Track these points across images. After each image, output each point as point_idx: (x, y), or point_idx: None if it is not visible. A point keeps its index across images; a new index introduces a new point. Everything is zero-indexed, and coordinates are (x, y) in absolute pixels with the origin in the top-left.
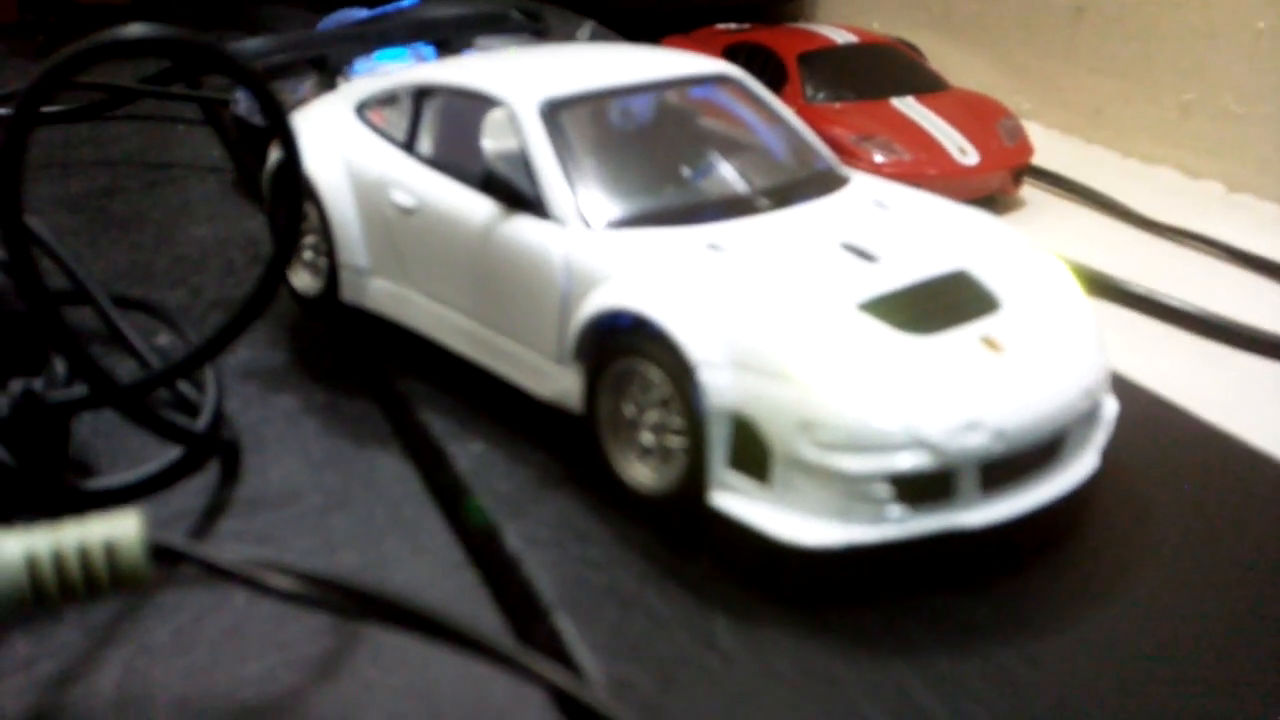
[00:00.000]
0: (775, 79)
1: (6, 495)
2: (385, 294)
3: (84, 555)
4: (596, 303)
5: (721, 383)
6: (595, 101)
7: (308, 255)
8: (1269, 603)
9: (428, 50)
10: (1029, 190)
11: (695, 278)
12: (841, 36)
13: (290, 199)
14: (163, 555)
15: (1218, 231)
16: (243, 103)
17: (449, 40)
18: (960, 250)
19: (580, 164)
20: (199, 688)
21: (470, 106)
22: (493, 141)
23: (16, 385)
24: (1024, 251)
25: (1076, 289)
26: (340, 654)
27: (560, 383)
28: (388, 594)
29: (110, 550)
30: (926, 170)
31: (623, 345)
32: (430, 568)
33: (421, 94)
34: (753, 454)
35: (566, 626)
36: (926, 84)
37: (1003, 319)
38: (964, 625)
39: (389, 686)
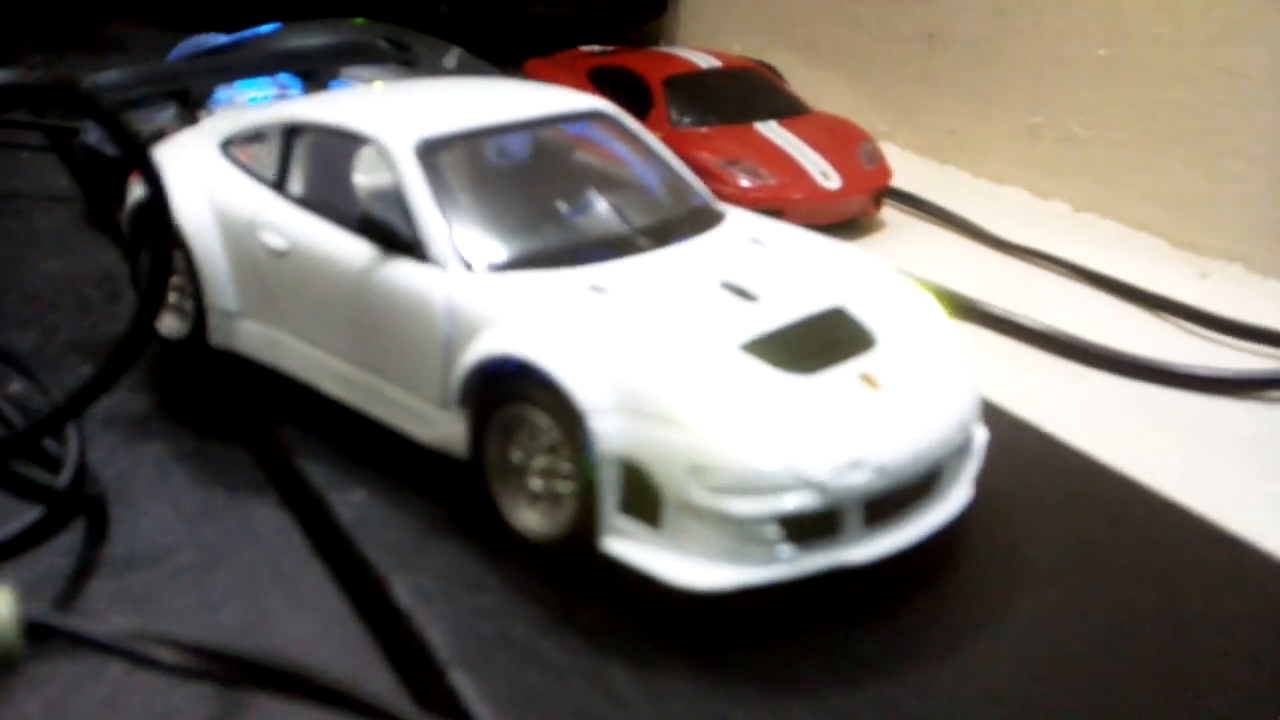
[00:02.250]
0: (641, 103)
1: None
2: (257, 337)
3: None
4: (482, 348)
5: (611, 429)
6: (471, 140)
7: (172, 297)
8: (1143, 621)
9: (292, 81)
10: (887, 212)
11: (580, 322)
12: (705, 60)
13: (158, 240)
14: (36, 632)
15: (1065, 250)
16: (93, 132)
17: (315, 71)
18: (835, 287)
19: (459, 205)
20: None
21: (342, 145)
22: (366, 181)
23: None
24: (895, 286)
25: (946, 322)
26: None
27: (444, 428)
28: (277, 661)
29: None
30: (791, 194)
31: (509, 391)
32: (315, 623)
33: (291, 131)
34: (643, 499)
35: (463, 682)
36: (788, 108)
37: (879, 356)
38: (854, 660)
39: None
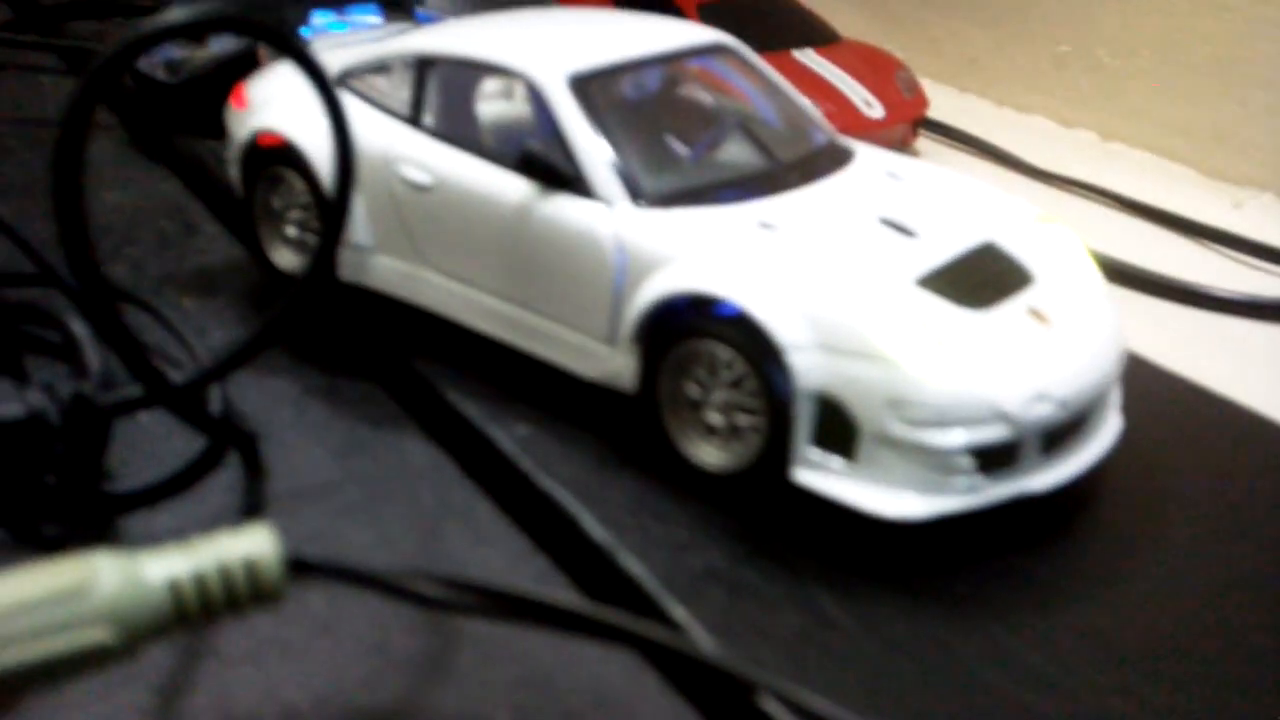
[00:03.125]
0: None
1: (47, 502)
2: (392, 272)
3: (225, 575)
4: (665, 284)
5: (808, 364)
6: (615, 74)
7: (291, 231)
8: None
9: (367, 12)
10: (920, 140)
11: (763, 260)
12: None
13: (342, 181)
14: (299, 568)
15: (1096, 178)
16: (144, 59)
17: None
18: (981, 222)
19: (617, 140)
20: (304, 694)
21: (480, 79)
22: (497, 113)
23: (65, 389)
24: (1032, 221)
25: (1085, 255)
26: (445, 654)
27: (610, 363)
28: (533, 593)
29: (250, 567)
30: (837, 124)
31: (690, 327)
32: (501, 559)
33: (424, 64)
34: (838, 431)
35: (681, 615)
36: (822, 36)
37: (1040, 290)
38: (1039, 584)
39: (504, 681)
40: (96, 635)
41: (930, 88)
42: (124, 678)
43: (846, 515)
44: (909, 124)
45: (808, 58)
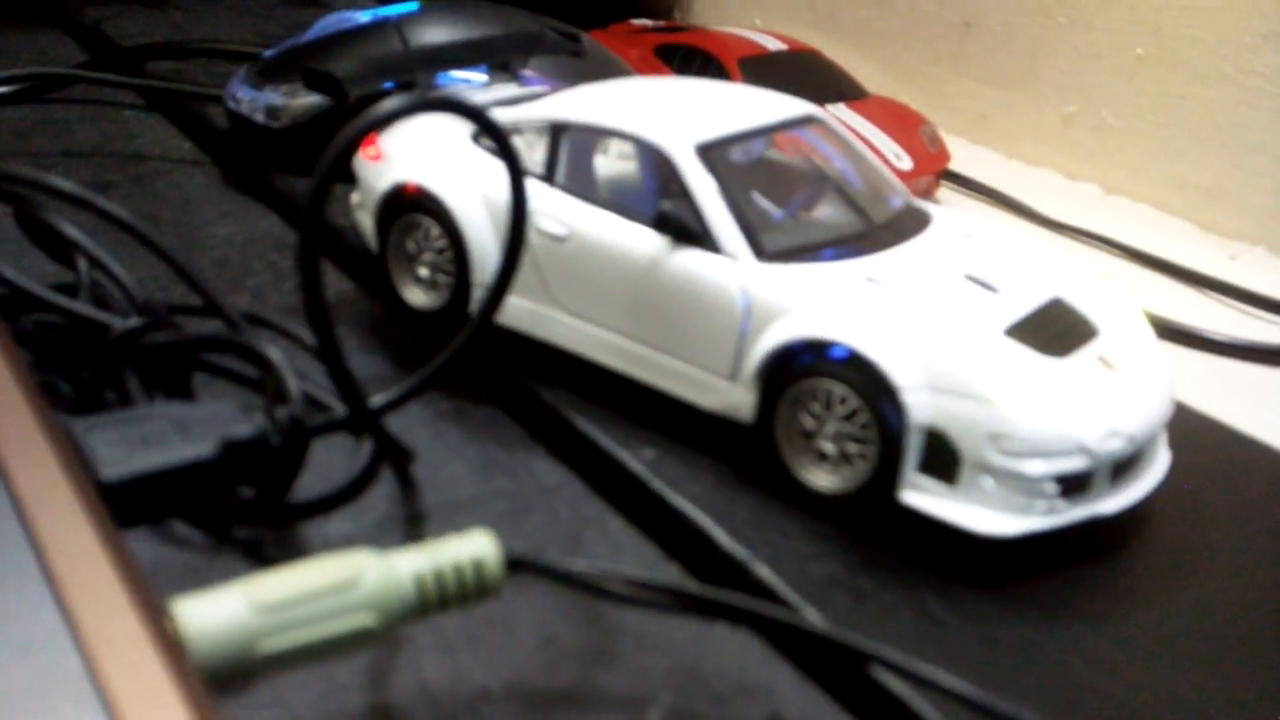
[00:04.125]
0: None
1: (239, 514)
2: (523, 311)
3: (458, 571)
4: (791, 331)
5: (919, 402)
6: (733, 143)
7: (424, 272)
8: None
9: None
10: (942, 191)
11: (873, 309)
12: (771, 42)
13: (514, 233)
14: (515, 566)
15: (1100, 228)
16: (245, 101)
17: (509, 62)
18: (1047, 278)
19: (738, 202)
20: (489, 677)
21: (607, 142)
22: (633, 173)
23: (281, 412)
24: (1089, 278)
25: (1138, 310)
26: (605, 645)
27: (731, 396)
28: (709, 592)
29: (477, 565)
30: None
31: (808, 367)
32: (637, 563)
33: (558, 129)
34: (942, 460)
35: (815, 618)
36: (853, 92)
37: (1105, 341)
38: (1112, 592)
39: (661, 669)
40: (365, 620)
41: (944, 139)
42: (333, 664)
43: (946, 532)
44: (933, 176)
45: (842, 112)
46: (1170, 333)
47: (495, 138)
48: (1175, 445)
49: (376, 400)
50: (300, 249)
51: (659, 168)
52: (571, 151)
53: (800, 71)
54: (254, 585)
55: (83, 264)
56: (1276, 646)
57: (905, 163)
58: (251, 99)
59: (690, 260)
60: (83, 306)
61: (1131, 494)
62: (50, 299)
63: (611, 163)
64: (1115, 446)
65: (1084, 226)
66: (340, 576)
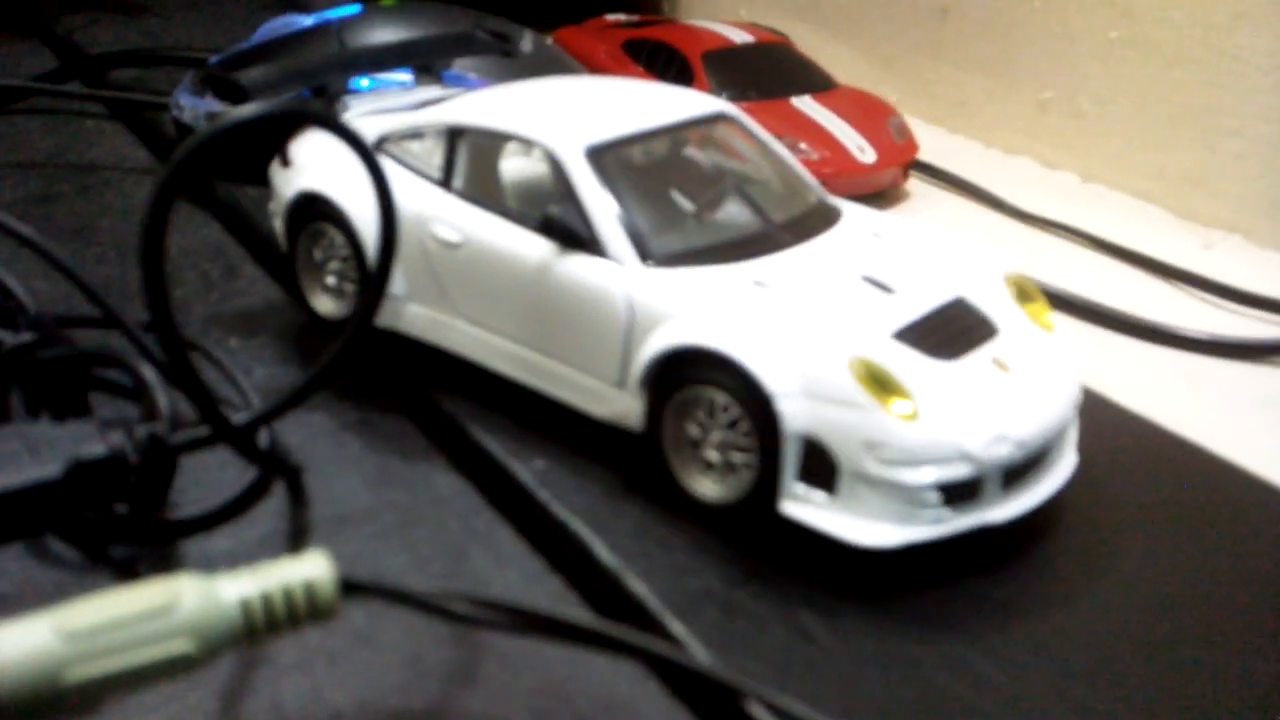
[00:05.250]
0: (680, 78)
1: (114, 532)
2: (422, 319)
3: (287, 595)
4: (668, 338)
5: (794, 409)
6: (628, 144)
7: (330, 280)
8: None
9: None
10: (910, 182)
11: (755, 315)
12: (738, 35)
13: (386, 235)
14: (350, 589)
15: (1075, 219)
16: (187, 109)
17: (431, 64)
18: (952, 278)
19: (628, 205)
20: (347, 699)
21: (505, 145)
22: (516, 174)
23: (141, 430)
24: (996, 274)
25: (1045, 305)
26: (471, 663)
27: (619, 405)
28: (552, 611)
29: (308, 588)
30: (832, 169)
31: (690, 375)
32: (519, 578)
33: (455, 133)
34: (820, 469)
35: (680, 631)
36: (820, 83)
37: (1003, 342)
38: (998, 604)
39: (524, 689)
40: (181, 647)
41: (923, 129)
42: (189, 684)
43: (828, 543)
44: (900, 168)
45: (805, 104)
46: (1135, 328)
47: (349, 143)
48: (1105, 448)
49: (241, 417)
50: (144, 261)
51: (550, 171)
52: (468, 155)
53: (766, 63)
54: (61, 613)
55: None
56: (1163, 661)
57: (869, 155)
58: (193, 106)
59: (577, 266)
60: None
61: (1025, 501)
62: None
63: (508, 166)
64: (1003, 453)
65: (1058, 218)
66: (155, 602)
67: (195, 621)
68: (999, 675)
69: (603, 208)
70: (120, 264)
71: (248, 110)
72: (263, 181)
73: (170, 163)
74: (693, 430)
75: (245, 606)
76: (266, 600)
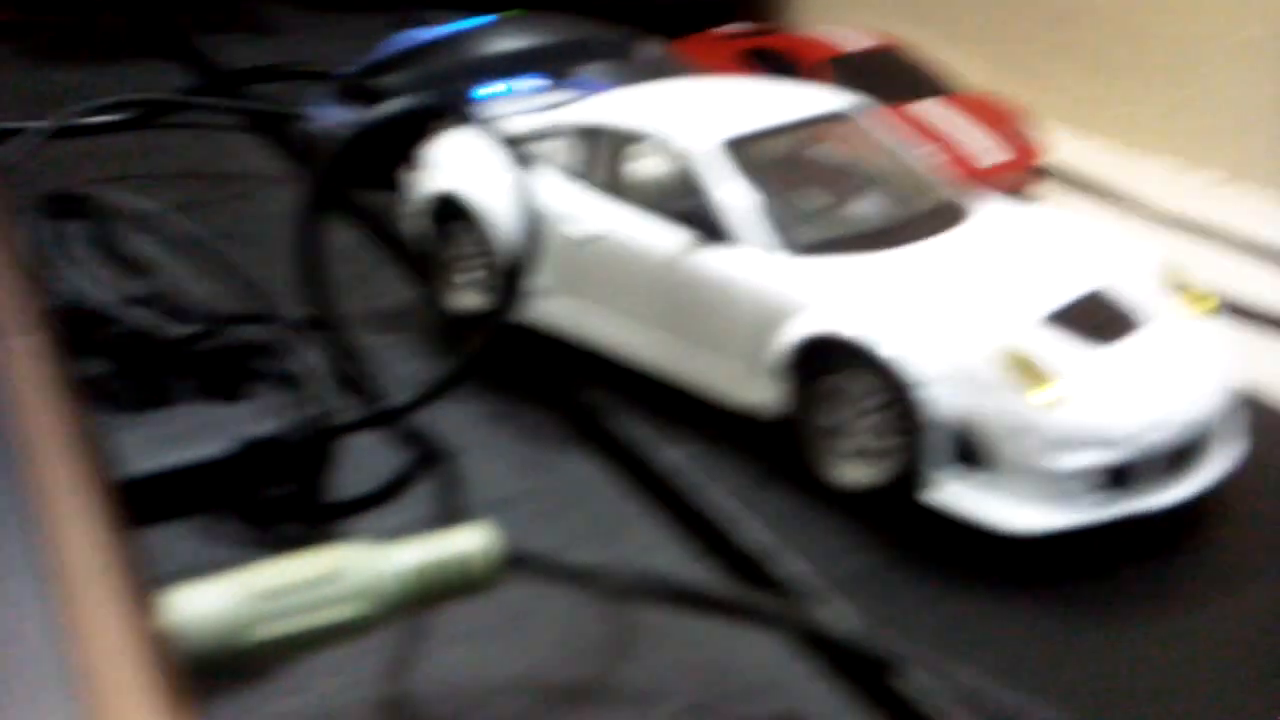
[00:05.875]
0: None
1: (278, 512)
2: (561, 314)
3: (453, 565)
4: (808, 327)
5: (938, 396)
6: (762, 139)
7: (466, 279)
8: None
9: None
10: (1042, 187)
11: (895, 302)
12: (857, 40)
13: (529, 233)
14: (514, 562)
15: (1219, 219)
16: (319, 119)
17: (558, 70)
18: (1099, 266)
19: (764, 197)
20: (509, 671)
21: (639, 143)
22: (651, 172)
23: (304, 411)
24: (1145, 261)
25: (1198, 294)
26: (626, 641)
27: (758, 394)
28: (711, 587)
29: (473, 559)
30: (962, 172)
31: (830, 363)
32: (668, 561)
33: (590, 133)
34: (969, 454)
35: (838, 610)
36: (940, 87)
37: (1154, 329)
38: (1159, 592)
39: (680, 665)
40: (355, 610)
41: (1055, 132)
42: (358, 655)
43: (979, 530)
44: (1025, 171)
45: (931, 108)
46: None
47: (489, 138)
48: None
49: (398, 400)
50: (303, 247)
51: (685, 166)
52: (604, 153)
53: (884, 69)
54: (244, 576)
55: (150, 277)
56: None
57: (996, 157)
58: (324, 117)
59: (715, 257)
60: (143, 315)
61: (1182, 490)
62: (110, 311)
63: (643, 163)
64: (1159, 438)
65: (1199, 218)
66: (332, 567)
67: (368, 587)
68: (1166, 661)
69: (740, 199)
70: (269, 265)
71: (396, 105)
72: (393, 187)
73: (325, 159)
74: (834, 419)
75: (414, 574)
76: (433, 568)
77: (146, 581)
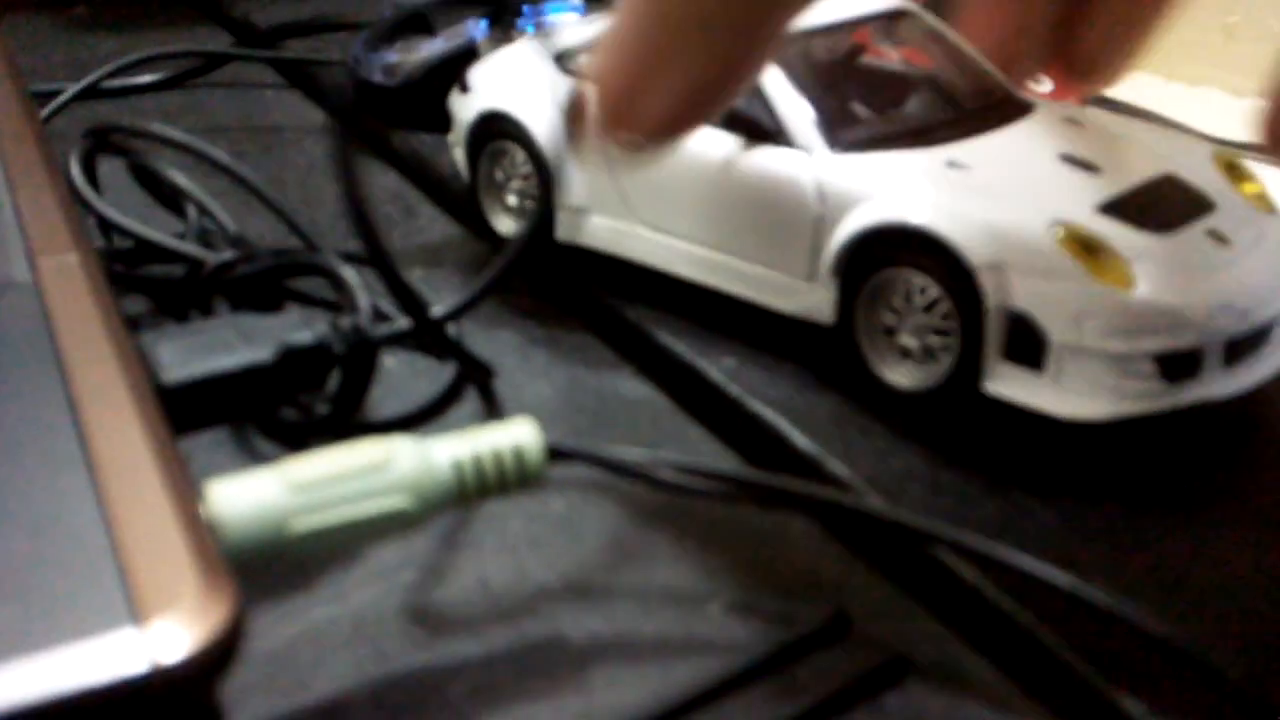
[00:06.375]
0: None
1: (316, 427)
2: (605, 230)
3: (497, 458)
4: (863, 219)
5: (998, 283)
6: (809, 38)
7: (513, 200)
8: None
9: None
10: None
11: (952, 192)
12: None
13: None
14: (558, 456)
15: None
16: (364, 63)
17: None
18: (1161, 155)
19: (813, 95)
20: (552, 576)
21: None
22: None
23: (345, 321)
24: (1209, 152)
25: (1266, 187)
26: (672, 541)
27: (810, 298)
28: (760, 475)
29: (518, 453)
30: None
31: (885, 258)
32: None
33: None
34: (1027, 344)
35: (883, 507)
36: None
37: (1220, 216)
38: (1224, 485)
39: (724, 564)
40: (398, 503)
41: None
42: (399, 562)
43: (1037, 426)
44: (1076, 100)
45: None
46: None
47: (540, 51)
48: None
49: (437, 311)
50: (338, 151)
51: None
52: None
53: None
54: (287, 466)
55: (190, 209)
56: None
57: (1045, 85)
58: (370, 59)
59: (763, 158)
60: (185, 245)
61: (1248, 377)
62: (151, 238)
63: None
64: (1223, 323)
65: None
66: (374, 458)
67: (411, 479)
68: (1235, 555)
69: (788, 97)
70: (311, 209)
71: (456, 41)
72: (439, 128)
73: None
74: (888, 317)
75: (458, 467)
76: (477, 462)
77: (187, 477)
